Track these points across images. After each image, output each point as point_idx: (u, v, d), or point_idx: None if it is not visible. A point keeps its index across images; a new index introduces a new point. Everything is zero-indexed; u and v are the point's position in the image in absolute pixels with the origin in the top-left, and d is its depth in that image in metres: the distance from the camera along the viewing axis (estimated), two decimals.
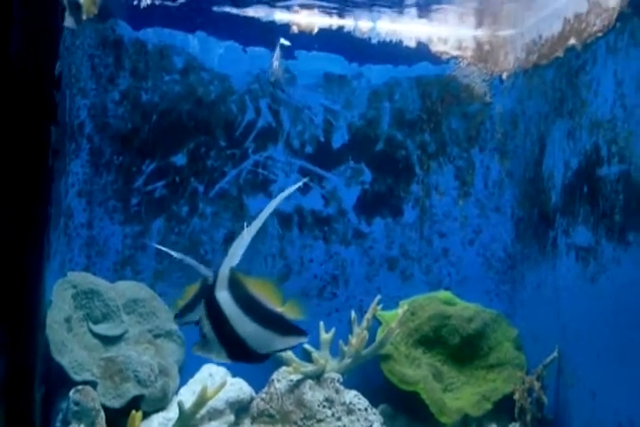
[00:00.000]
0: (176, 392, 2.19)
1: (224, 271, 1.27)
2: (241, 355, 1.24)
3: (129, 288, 2.26)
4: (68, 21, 2.03)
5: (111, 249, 2.33)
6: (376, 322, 2.47)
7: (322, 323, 2.47)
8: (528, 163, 2.59)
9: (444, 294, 2.61)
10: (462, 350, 2.51)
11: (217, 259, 2.45)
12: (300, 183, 1.48)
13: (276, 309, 1.26)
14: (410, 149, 2.63)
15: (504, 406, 2.32)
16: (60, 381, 1.90)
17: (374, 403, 2.29)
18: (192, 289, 1.43)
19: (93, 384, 1.87)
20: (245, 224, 1.35)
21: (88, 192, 2.33)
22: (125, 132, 2.38)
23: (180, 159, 2.42)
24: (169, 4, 2.42)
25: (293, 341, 1.27)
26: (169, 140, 2.42)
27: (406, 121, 2.64)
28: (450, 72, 2.64)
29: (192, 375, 2.29)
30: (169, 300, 2.35)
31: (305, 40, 2.52)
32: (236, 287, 1.26)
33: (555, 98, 2.33)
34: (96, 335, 2.07)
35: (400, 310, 2.40)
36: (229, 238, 2.46)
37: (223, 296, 1.24)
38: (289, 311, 1.28)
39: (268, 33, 2.50)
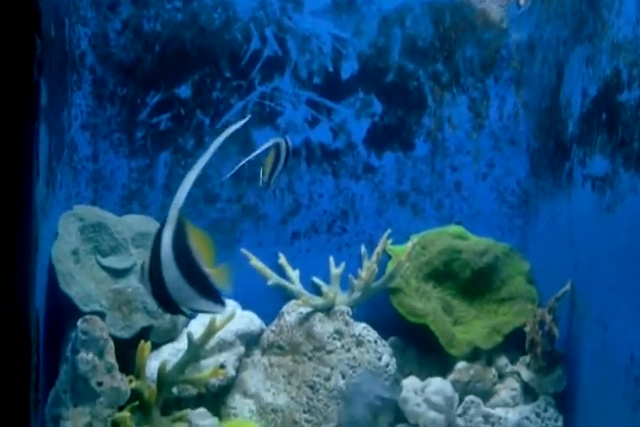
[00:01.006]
0: (186, 324, 2.21)
1: (173, 212, 1.21)
2: (160, 299, 1.21)
3: (137, 222, 2.24)
4: None
5: (117, 183, 2.31)
6: (386, 257, 2.46)
7: (331, 258, 2.47)
8: (545, 92, 2.48)
9: (455, 228, 2.58)
10: (473, 284, 2.50)
11: (224, 194, 2.42)
12: (245, 120, 1.44)
13: (205, 268, 1.23)
14: (422, 79, 2.53)
15: (515, 340, 2.32)
16: (69, 312, 1.92)
17: (384, 335, 2.30)
18: None
19: (102, 315, 1.89)
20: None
21: (92, 125, 2.29)
22: (128, 63, 2.31)
23: (184, 91, 2.36)
24: None
25: (210, 306, 1.23)
26: (173, 71, 2.35)
27: (418, 49, 2.52)
28: None
29: None
30: None
31: None
32: (178, 232, 1.21)
33: (574, 21, 2.20)
34: (105, 268, 2.07)
35: (410, 244, 2.37)
36: (237, 172, 2.42)
37: (166, 237, 1.19)
38: (216, 276, 1.25)
39: None
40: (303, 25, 2.43)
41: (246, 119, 1.48)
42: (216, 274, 1.24)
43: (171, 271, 1.17)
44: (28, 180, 1.25)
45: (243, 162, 1.81)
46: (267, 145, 1.77)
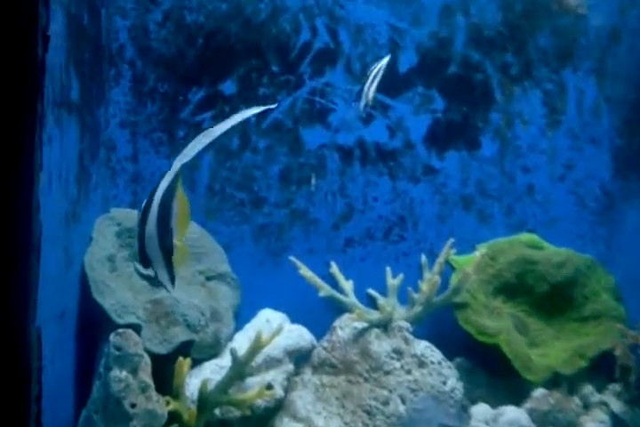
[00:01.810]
0: (230, 338, 2.02)
1: (176, 165, 1.16)
2: (141, 250, 1.14)
3: None
4: None
5: None
6: (449, 268, 2.21)
7: (388, 268, 2.24)
8: (631, 84, 2.21)
9: (527, 236, 2.32)
10: (550, 299, 2.23)
11: (271, 197, 2.23)
12: (273, 106, 1.31)
13: (175, 237, 1.14)
14: (488, 71, 2.30)
15: (601, 365, 2.02)
16: (103, 323, 1.75)
17: (448, 356, 2.05)
18: None
19: (138, 328, 1.71)
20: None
21: (132, 123, 2.15)
22: (169, 57, 2.17)
23: (229, 87, 2.19)
24: None
25: (164, 278, 1.14)
26: (217, 66, 2.19)
27: (484, 39, 2.30)
28: None
29: (248, 321, 2.12)
30: (221, 239, 2.17)
31: None
32: (170, 189, 1.16)
33: None
34: (144, 276, 1.91)
35: (477, 254, 2.12)
36: (285, 174, 2.23)
37: (161, 188, 1.15)
38: (178, 251, 1.15)
39: None
40: (357, 14, 2.24)
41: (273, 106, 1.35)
42: (179, 250, 1.15)
43: (151, 223, 1.12)
44: (26, 175, 1.07)
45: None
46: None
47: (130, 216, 1.99)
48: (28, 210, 1.06)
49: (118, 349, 1.59)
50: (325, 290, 2.13)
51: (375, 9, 2.26)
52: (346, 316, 2.11)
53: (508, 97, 2.32)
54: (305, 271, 2.12)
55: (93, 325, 1.77)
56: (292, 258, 2.14)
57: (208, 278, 2.07)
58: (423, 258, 2.24)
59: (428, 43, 2.29)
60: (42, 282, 1.30)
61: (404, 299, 2.17)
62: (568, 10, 2.33)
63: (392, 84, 2.28)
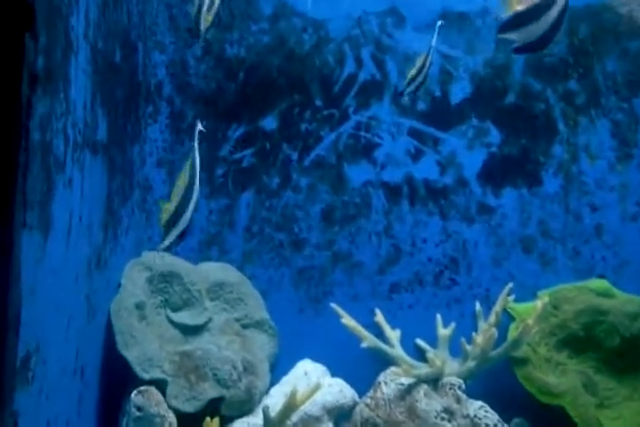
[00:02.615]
0: (265, 392, 1.88)
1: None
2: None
3: (214, 271, 1.98)
4: None
5: (195, 226, 2.06)
6: (506, 317, 2.02)
7: (439, 316, 2.06)
8: None
9: (597, 282, 2.09)
10: (623, 355, 2.00)
11: (312, 238, 2.10)
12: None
13: None
14: (551, 100, 2.12)
15: None
16: (128, 377, 1.66)
17: (506, 418, 1.85)
18: None
19: (164, 383, 1.60)
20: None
21: (169, 162, 2.08)
22: (209, 93, 2.09)
23: (270, 123, 2.10)
24: None
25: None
26: (257, 101, 2.10)
27: (546, 66, 2.13)
28: (603, 0, 2.05)
29: (286, 372, 1.98)
30: (259, 284, 2.05)
31: None
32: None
33: None
34: (175, 325, 1.81)
35: (539, 303, 1.92)
36: (327, 214, 2.10)
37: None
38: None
39: None
40: (405, 43, 2.11)
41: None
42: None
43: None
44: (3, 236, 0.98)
45: None
46: None
47: (164, 260, 1.91)
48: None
49: (139, 409, 1.49)
50: (369, 340, 1.98)
51: (425, 36, 2.11)
52: (391, 370, 1.94)
53: (572, 128, 2.13)
54: (347, 320, 1.97)
55: (118, 379, 1.68)
56: (333, 305, 1.99)
57: (244, 326, 1.95)
58: (477, 305, 2.06)
59: (483, 71, 2.13)
60: (53, 338, 1.21)
61: (456, 351, 1.98)
62: (638, 31, 2.12)
63: (443, 116, 2.13)
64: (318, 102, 2.11)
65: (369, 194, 2.11)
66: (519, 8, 1.35)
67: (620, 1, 2.11)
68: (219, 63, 2.09)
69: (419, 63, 1.76)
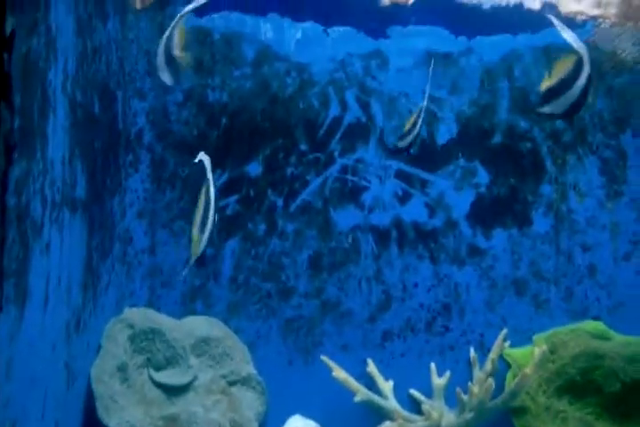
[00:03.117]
0: None
1: None
2: None
3: (199, 325, 1.91)
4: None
5: (178, 279, 1.99)
6: (503, 363, 1.96)
7: (433, 365, 2.01)
8: None
9: (592, 325, 2.06)
10: (624, 400, 1.95)
11: (300, 286, 2.04)
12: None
13: None
14: (538, 139, 2.11)
15: None
16: None
17: None
18: None
19: None
20: None
21: (150, 212, 2.01)
22: (191, 140, 2.04)
23: (254, 168, 2.05)
24: None
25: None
26: (241, 147, 2.05)
27: (531, 104, 2.08)
28: (588, 37, 2.06)
29: None
30: (246, 337, 1.98)
31: (399, 12, 2.06)
32: None
33: None
34: (158, 385, 1.73)
35: (536, 350, 1.87)
36: (315, 261, 2.04)
37: None
38: None
39: (353, 9, 2.05)
40: (390, 85, 2.08)
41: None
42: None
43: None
44: None
45: None
46: None
47: (146, 316, 1.83)
48: None
49: None
50: (362, 393, 1.91)
51: (410, 77, 2.09)
52: (386, 424, 1.87)
53: (560, 167, 2.10)
54: (338, 372, 1.90)
55: None
56: (323, 358, 1.92)
57: (231, 383, 1.87)
58: (472, 353, 2.00)
59: (468, 111, 2.11)
60: (30, 414, 1.14)
61: (452, 401, 1.92)
62: (625, 67, 2.11)
63: (430, 157, 2.10)
64: (303, 146, 2.07)
65: (357, 239, 2.06)
66: (552, 81, 1.41)
67: (605, 38, 2.10)
68: (201, 109, 2.04)
69: (413, 118, 1.78)
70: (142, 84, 2.01)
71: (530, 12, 2.07)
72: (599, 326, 2.04)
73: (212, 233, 1.50)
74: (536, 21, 2.07)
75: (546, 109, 1.45)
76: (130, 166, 2.00)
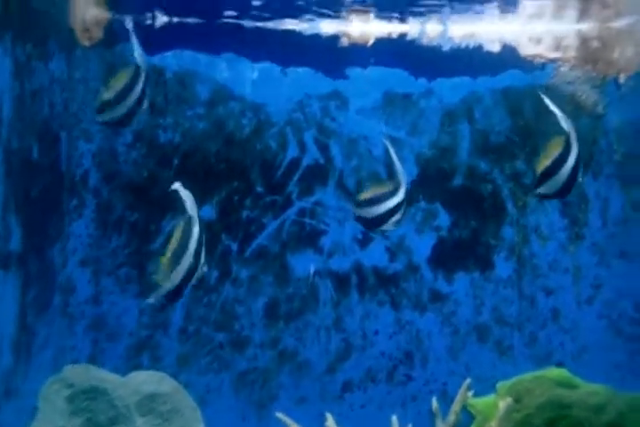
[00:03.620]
0: None
1: None
2: None
3: (145, 381, 1.78)
4: None
5: (124, 330, 1.88)
6: (467, 414, 1.88)
7: (394, 417, 1.91)
8: None
9: (556, 372, 2.00)
10: None
11: (255, 336, 1.94)
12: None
13: None
14: (498, 181, 2.07)
15: None
16: None
17: None
18: None
19: None
20: None
21: (94, 259, 1.90)
22: (140, 182, 1.95)
23: (207, 212, 1.97)
24: (189, 21, 1.98)
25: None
26: (194, 189, 1.95)
27: (492, 146, 2.10)
28: (547, 80, 2.07)
29: None
30: (195, 392, 1.86)
31: (358, 54, 2.03)
32: None
33: None
34: None
35: (500, 403, 1.79)
36: (271, 309, 1.95)
37: None
38: None
39: (311, 49, 2.01)
40: (349, 126, 2.03)
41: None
42: None
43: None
44: None
45: None
46: None
47: (87, 374, 1.70)
48: None
49: None
50: None
51: (369, 119, 2.05)
52: None
53: (521, 209, 2.08)
54: None
55: None
56: (279, 415, 1.82)
57: None
58: (434, 403, 1.91)
59: (428, 153, 2.08)
60: None
61: None
62: (584, 110, 2.11)
63: None
64: (260, 188, 2.00)
65: (316, 285, 1.98)
66: (546, 163, 1.51)
67: (563, 80, 2.10)
68: (151, 150, 1.96)
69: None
70: (89, 126, 1.92)
71: (489, 54, 2.07)
72: (563, 373, 1.99)
73: (198, 272, 1.42)
74: (496, 64, 2.07)
75: (541, 190, 1.54)
76: (74, 211, 1.89)
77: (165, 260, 1.40)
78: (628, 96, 2.07)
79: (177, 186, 1.41)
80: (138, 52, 1.49)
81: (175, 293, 1.45)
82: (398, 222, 1.73)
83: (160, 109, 1.96)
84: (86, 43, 1.89)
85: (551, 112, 2.04)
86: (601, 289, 2.07)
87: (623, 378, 2.02)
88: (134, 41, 1.54)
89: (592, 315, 2.06)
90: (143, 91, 1.54)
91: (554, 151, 1.54)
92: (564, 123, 1.52)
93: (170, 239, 1.41)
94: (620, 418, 1.90)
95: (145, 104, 1.53)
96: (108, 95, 1.47)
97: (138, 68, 1.54)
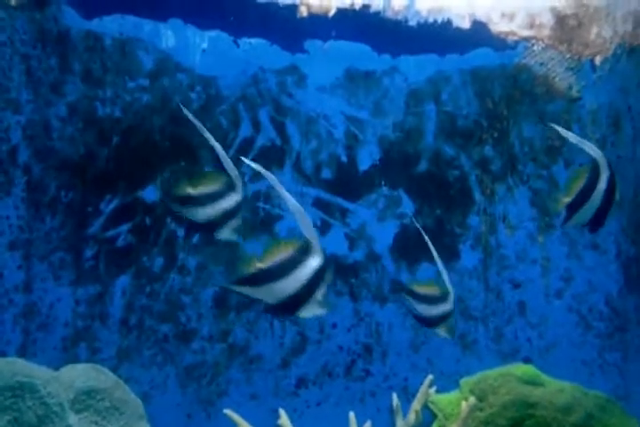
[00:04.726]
0: None
1: None
2: None
3: (81, 375, 1.63)
4: None
5: (58, 320, 1.72)
6: (429, 411, 1.78)
7: (352, 414, 1.79)
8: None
9: (522, 368, 1.91)
10: None
11: (203, 329, 1.80)
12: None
13: None
14: (465, 167, 1.98)
15: None
16: None
17: None
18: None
19: None
20: None
21: (24, 243, 1.74)
22: (76, 160, 1.79)
23: (150, 194, 1.82)
24: None
25: None
26: (136, 169, 1.82)
27: (459, 130, 2.00)
28: (519, 60, 1.98)
29: None
30: (138, 387, 1.72)
31: (318, 26, 1.91)
32: None
33: None
34: None
35: (463, 403, 1.68)
36: (221, 299, 1.81)
37: None
38: None
39: (267, 18, 1.87)
40: (308, 104, 1.90)
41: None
42: None
43: None
44: None
45: None
46: None
47: (13, 368, 1.54)
48: None
49: None
50: None
51: (329, 97, 1.92)
52: None
53: (489, 197, 1.97)
54: None
55: None
56: (227, 411, 1.68)
57: None
58: (395, 400, 1.80)
59: (392, 135, 1.96)
60: None
61: None
62: (558, 93, 2.02)
63: (351, 184, 1.93)
64: (208, 169, 1.85)
65: None
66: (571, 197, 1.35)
67: (536, 60, 1.99)
68: (89, 125, 1.79)
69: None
70: (18, 95, 1.75)
71: (458, 30, 1.95)
72: (530, 369, 1.90)
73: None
74: (465, 41, 1.96)
75: (570, 223, 1.41)
76: (1, 189, 1.72)
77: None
78: (604, 78, 1.97)
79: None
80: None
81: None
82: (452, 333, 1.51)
83: (98, 80, 1.80)
84: (13, 2, 1.71)
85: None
86: (571, 282, 1.98)
87: (591, 374, 1.94)
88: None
89: (561, 309, 1.98)
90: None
91: (579, 182, 1.37)
92: (592, 151, 1.35)
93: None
94: (588, 419, 1.82)
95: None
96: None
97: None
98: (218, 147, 1.29)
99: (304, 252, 1.17)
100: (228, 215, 1.33)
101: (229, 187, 1.34)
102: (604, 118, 1.98)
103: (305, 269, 1.15)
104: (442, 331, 1.50)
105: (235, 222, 1.33)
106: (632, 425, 1.83)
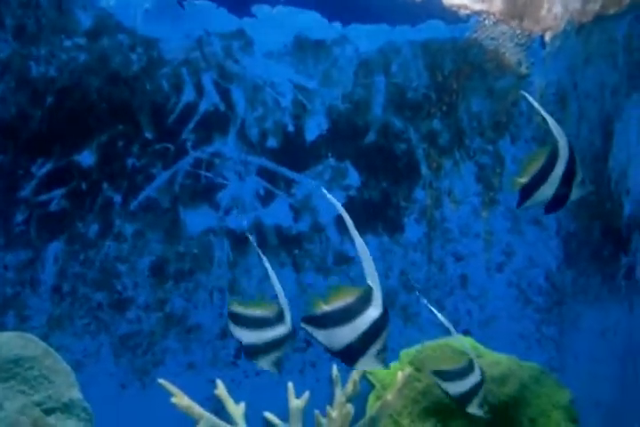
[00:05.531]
0: None
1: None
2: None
3: (8, 343, 1.57)
4: None
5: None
6: (367, 382, 1.79)
7: (291, 384, 1.78)
8: (584, 157, 1.93)
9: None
10: (493, 423, 1.81)
11: (139, 297, 1.76)
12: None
13: None
14: (413, 140, 1.98)
15: None
16: None
17: None
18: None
19: None
20: None
21: None
22: (8, 120, 1.71)
23: (86, 158, 1.76)
24: None
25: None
26: (71, 131, 1.75)
27: (408, 102, 1.98)
28: (470, 34, 1.96)
29: None
30: (70, 356, 1.67)
31: None
32: None
33: (630, 62, 1.62)
34: None
35: (399, 374, 1.69)
36: (158, 267, 1.77)
37: None
38: None
39: None
40: (254, 70, 1.86)
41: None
42: None
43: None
44: None
45: None
46: None
47: None
48: None
49: None
50: (206, 420, 1.66)
51: (277, 65, 1.87)
52: None
53: (435, 171, 1.97)
54: (180, 399, 1.64)
55: None
56: (161, 381, 1.65)
57: (47, 412, 1.56)
58: (334, 371, 1.80)
59: (341, 106, 1.94)
60: None
61: (311, 424, 1.72)
62: (507, 68, 2.01)
63: (297, 154, 1.90)
64: (148, 134, 1.80)
65: (210, 243, 1.81)
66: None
67: (487, 35, 1.99)
68: (21, 84, 1.71)
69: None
70: None
71: (410, 1, 1.92)
72: (469, 341, 1.92)
73: None
74: (416, 13, 1.93)
75: (527, 205, 1.31)
76: None
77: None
78: (552, 55, 1.98)
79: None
80: None
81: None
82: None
83: (31, 37, 1.71)
84: None
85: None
86: (512, 257, 2.00)
87: (528, 347, 1.97)
88: None
89: (501, 283, 2.00)
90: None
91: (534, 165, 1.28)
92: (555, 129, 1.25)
93: None
94: (522, 389, 1.85)
95: None
96: None
97: None
98: None
99: (365, 301, 1.07)
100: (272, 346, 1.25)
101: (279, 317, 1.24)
102: (551, 95, 1.99)
103: (364, 318, 1.05)
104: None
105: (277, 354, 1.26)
106: (564, 395, 1.87)
